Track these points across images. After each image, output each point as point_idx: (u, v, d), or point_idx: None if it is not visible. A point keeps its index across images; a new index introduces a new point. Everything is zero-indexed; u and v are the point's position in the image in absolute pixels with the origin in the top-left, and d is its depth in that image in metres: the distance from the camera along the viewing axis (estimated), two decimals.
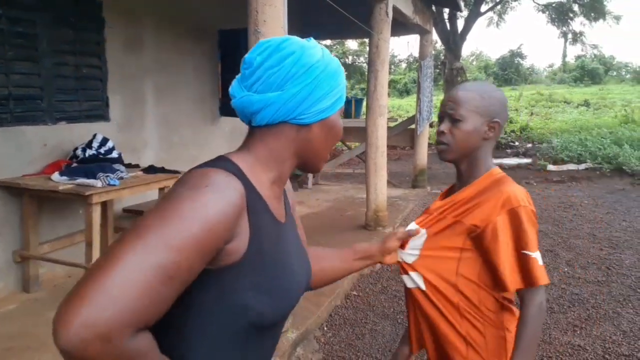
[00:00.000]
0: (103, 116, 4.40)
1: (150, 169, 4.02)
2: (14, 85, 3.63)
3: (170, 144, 5.32)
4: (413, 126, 8.42)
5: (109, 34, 4.37)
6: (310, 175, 8.17)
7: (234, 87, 0.94)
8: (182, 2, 5.19)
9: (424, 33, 7.95)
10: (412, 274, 1.39)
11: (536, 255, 1.25)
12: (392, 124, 9.06)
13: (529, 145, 14.15)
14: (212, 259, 0.78)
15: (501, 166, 10.85)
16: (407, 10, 6.33)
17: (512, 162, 11.53)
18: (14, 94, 3.63)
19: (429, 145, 9.34)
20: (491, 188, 1.33)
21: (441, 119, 1.42)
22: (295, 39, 0.93)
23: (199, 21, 5.65)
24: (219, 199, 0.78)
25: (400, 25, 6.92)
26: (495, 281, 1.30)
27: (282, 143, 0.94)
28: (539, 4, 16.84)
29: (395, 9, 5.58)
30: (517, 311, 1.35)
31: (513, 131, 15.94)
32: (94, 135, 4.01)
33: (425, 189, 8.19)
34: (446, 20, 13.83)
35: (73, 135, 4.03)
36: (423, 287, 1.37)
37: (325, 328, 3.46)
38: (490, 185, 1.35)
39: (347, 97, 9.86)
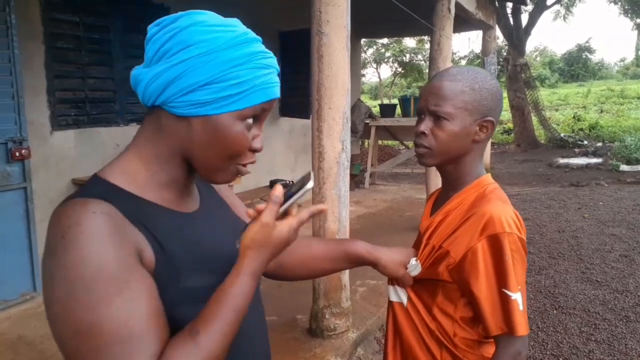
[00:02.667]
0: None
1: None
2: (89, 89, 3.85)
3: None
4: None
5: None
6: (367, 175, 8.13)
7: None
8: (243, 3, 5.31)
9: (486, 29, 7.72)
10: (398, 288, 1.23)
11: (516, 297, 1.01)
12: None
13: (599, 144, 13.39)
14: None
15: (568, 166, 10.40)
16: (470, 5, 6.16)
17: (580, 161, 10.95)
18: (90, 97, 3.85)
19: (492, 144, 9.05)
20: (475, 204, 1.10)
21: (420, 114, 1.15)
22: (203, 14, 0.77)
23: (259, 22, 5.72)
24: (91, 237, 0.66)
25: (462, 22, 6.74)
26: (479, 324, 1.10)
27: (162, 137, 0.78)
28: None
29: (457, 5, 5.45)
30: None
31: (581, 129, 15.17)
32: None
33: None
34: (509, 15, 13.34)
35: None
36: (405, 302, 1.20)
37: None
38: (476, 199, 1.12)
39: (405, 96, 9.74)
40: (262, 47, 0.80)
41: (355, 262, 1.18)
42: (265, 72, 0.78)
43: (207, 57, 0.73)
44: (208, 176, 0.81)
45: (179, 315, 0.73)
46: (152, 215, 0.76)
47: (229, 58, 0.74)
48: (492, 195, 1.11)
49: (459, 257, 1.07)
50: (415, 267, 1.17)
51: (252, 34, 0.79)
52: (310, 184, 0.80)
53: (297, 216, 0.80)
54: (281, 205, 0.79)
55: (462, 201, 1.14)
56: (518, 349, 1.03)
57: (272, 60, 0.80)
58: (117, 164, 0.79)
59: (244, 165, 0.82)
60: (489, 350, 1.11)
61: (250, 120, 0.79)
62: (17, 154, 3.19)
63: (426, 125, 1.12)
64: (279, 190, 0.79)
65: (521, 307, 1.02)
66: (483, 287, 1.04)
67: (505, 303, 1.02)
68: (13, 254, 3.26)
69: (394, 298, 1.24)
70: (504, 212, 1.05)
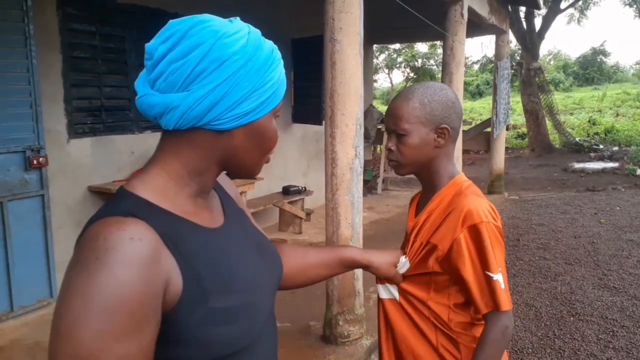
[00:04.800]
0: None
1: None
2: (105, 98, 3.91)
3: None
4: (488, 129, 8.13)
5: None
6: (379, 181, 8.11)
7: (138, 82, 0.77)
8: (255, 10, 5.34)
9: (499, 33, 7.68)
10: (389, 285, 1.32)
11: (498, 278, 1.15)
12: (465, 127, 8.81)
13: (615, 148, 13.22)
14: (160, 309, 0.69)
15: (584, 171, 10.27)
16: (483, 10, 6.14)
17: (596, 166, 10.81)
18: (106, 105, 3.91)
19: (506, 149, 8.98)
20: (453, 201, 1.24)
21: (388, 133, 1.31)
22: (212, 20, 0.74)
23: (272, 30, 5.75)
24: (126, 266, 0.64)
25: (475, 26, 6.72)
26: (471, 307, 1.23)
27: (197, 153, 0.77)
28: None
29: (470, 10, 5.44)
30: None
31: (597, 133, 14.98)
32: None
33: (502, 194, 7.86)
34: (522, 19, 13.26)
35: (157, 143, 4.26)
36: (397, 297, 1.30)
37: None
38: (454, 197, 1.25)
39: None
40: (275, 49, 0.82)
41: (349, 266, 1.26)
42: (280, 64, 0.81)
43: (246, 68, 0.74)
44: (247, 174, 0.84)
45: (203, 335, 0.72)
46: (183, 232, 0.74)
47: (262, 63, 0.76)
48: (468, 191, 1.24)
49: (446, 249, 1.20)
50: (404, 264, 1.28)
51: (255, 29, 0.79)
52: None
53: None
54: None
55: (441, 200, 1.27)
56: (505, 323, 1.16)
57: (280, 55, 0.83)
58: (142, 179, 0.77)
59: (269, 156, 0.87)
60: (480, 330, 1.23)
61: (278, 113, 0.84)
62: (35, 162, 3.24)
63: (391, 142, 1.28)
64: None
65: (502, 286, 1.16)
66: (470, 271, 1.17)
67: (489, 284, 1.16)
68: (30, 261, 3.31)
69: (384, 295, 1.33)
70: (479, 204, 1.19)
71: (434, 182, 1.30)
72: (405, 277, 1.29)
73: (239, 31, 0.75)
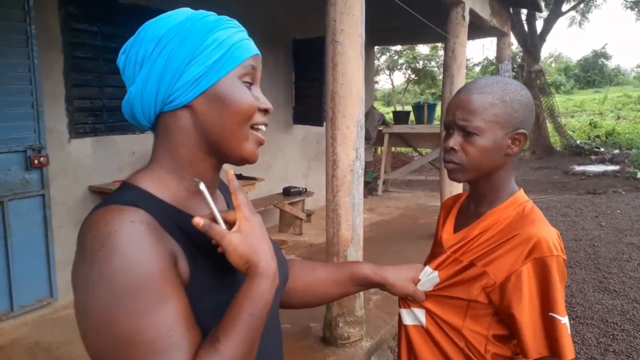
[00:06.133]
0: None
1: None
2: (107, 98, 3.91)
3: None
4: None
5: None
6: (380, 182, 8.11)
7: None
8: (257, 11, 5.35)
9: (501, 35, 7.68)
10: (415, 309, 1.15)
11: (565, 322, 0.99)
12: None
13: (616, 151, 13.21)
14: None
15: (585, 174, 10.26)
16: (484, 13, 6.14)
17: (597, 169, 10.81)
18: (107, 105, 3.91)
19: None
20: (516, 225, 1.06)
21: (448, 128, 1.12)
22: (166, 14, 0.76)
23: (274, 30, 5.79)
24: (131, 244, 0.65)
25: (477, 29, 6.72)
26: (512, 340, 1.08)
27: (177, 141, 0.77)
28: (627, 0, 15.75)
29: (472, 12, 5.43)
30: None
31: (598, 136, 14.97)
32: None
33: None
34: (524, 22, 13.27)
35: None
36: (424, 323, 1.13)
37: None
38: (515, 219, 1.08)
39: (419, 103, 9.71)
40: (226, 17, 0.80)
41: (362, 284, 1.14)
42: (238, 30, 0.78)
43: (180, 36, 0.73)
44: (236, 152, 0.78)
45: (205, 327, 0.72)
46: (185, 226, 0.74)
47: (199, 28, 0.74)
48: (534, 215, 1.08)
49: (500, 280, 1.03)
50: (432, 278, 1.12)
51: (211, 13, 0.79)
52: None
53: (239, 202, 0.75)
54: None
55: (498, 219, 1.09)
56: None
57: (237, 22, 0.80)
58: (145, 173, 0.78)
59: (258, 130, 0.80)
60: None
61: (248, 79, 0.77)
62: (36, 161, 3.24)
63: (455, 141, 1.08)
64: (232, 174, 0.76)
65: (569, 331, 1.00)
66: (526, 310, 1.01)
67: (551, 327, 0.99)
68: (31, 260, 3.31)
69: (409, 322, 1.17)
70: (549, 234, 1.02)
71: (490, 195, 1.12)
72: (431, 296, 1.12)
73: (177, 13, 0.76)
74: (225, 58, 0.74)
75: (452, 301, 1.10)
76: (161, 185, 0.76)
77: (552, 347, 0.99)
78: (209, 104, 0.74)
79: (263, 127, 0.81)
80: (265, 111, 0.80)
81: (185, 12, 0.77)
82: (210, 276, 0.75)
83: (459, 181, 1.13)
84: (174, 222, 0.73)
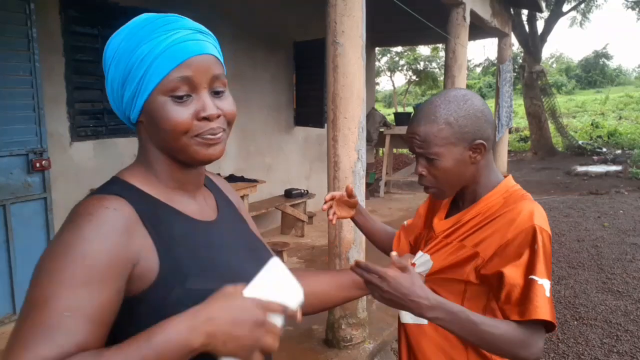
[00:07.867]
0: None
1: (231, 178, 4.16)
2: (108, 101, 3.90)
3: (248, 153, 5.48)
4: None
5: None
6: (382, 184, 8.10)
7: None
8: (258, 14, 5.35)
9: (502, 36, 7.68)
10: None
11: (543, 282, 1.01)
12: None
13: (618, 151, 13.18)
14: (126, 286, 0.71)
15: (587, 174, 10.24)
16: (485, 13, 6.14)
17: (599, 169, 10.78)
18: (108, 108, 3.90)
19: (509, 152, 8.97)
20: (502, 205, 1.12)
21: (414, 155, 1.18)
22: (116, 33, 0.79)
23: (274, 33, 5.80)
24: (96, 227, 0.70)
25: (478, 29, 6.72)
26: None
27: (145, 145, 0.84)
28: (628, 0, 15.74)
29: (473, 13, 5.44)
30: None
31: (600, 137, 14.95)
32: None
33: None
34: (525, 22, 13.26)
35: None
36: (425, 320, 1.11)
37: None
38: (504, 201, 1.13)
39: (420, 104, 9.69)
40: (169, 18, 0.77)
41: (364, 287, 1.12)
42: (172, 33, 0.75)
43: (116, 58, 0.77)
44: (190, 157, 0.79)
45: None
46: (165, 217, 0.79)
47: (128, 46, 0.75)
48: (521, 193, 1.15)
49: (488, 256, 1.09)
50: (426, 262, 1.17)
51: (158, 15, 0.77)
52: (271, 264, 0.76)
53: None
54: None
55: (487, 204, 1.15)
56: (537, 343, 1.01)
57: (178, 24, 0.77)
58: (132, 169, 0.85)
59: (202, 136, 0.78)
60: None
61: (180, 92, 0.75)
62: (38, 164, 3.24)
63: (422, 167, 1.16)
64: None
65: (547, 293, 1.01)
66: (512, 271, 1.04)
67: (530, 288, 1.02)
68: (33, 263, 3.25)
69: (408, 320, 1.19)
70: (536, 208, 1.08)
71: (477, 191, 1.18)
72: (428, 281, 1.13)
73: (120, 32, 0.78)
74: (147, 75, 0.74)
75: (449, 286, 1.15)
76: (144, 180, 0.82)
77: (522, 308, 1.01)
78: (148, 120, 0.79)
79: (219, 135, 0.79)
80: (206, 119, 0.77)
81: (125, 28, 0.78)
82: (187, 265, 0.77)
83: (442, 199, 1.21)
84: (155, 211, 0.78)
